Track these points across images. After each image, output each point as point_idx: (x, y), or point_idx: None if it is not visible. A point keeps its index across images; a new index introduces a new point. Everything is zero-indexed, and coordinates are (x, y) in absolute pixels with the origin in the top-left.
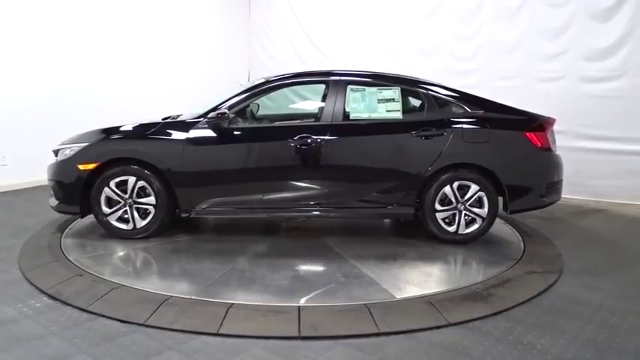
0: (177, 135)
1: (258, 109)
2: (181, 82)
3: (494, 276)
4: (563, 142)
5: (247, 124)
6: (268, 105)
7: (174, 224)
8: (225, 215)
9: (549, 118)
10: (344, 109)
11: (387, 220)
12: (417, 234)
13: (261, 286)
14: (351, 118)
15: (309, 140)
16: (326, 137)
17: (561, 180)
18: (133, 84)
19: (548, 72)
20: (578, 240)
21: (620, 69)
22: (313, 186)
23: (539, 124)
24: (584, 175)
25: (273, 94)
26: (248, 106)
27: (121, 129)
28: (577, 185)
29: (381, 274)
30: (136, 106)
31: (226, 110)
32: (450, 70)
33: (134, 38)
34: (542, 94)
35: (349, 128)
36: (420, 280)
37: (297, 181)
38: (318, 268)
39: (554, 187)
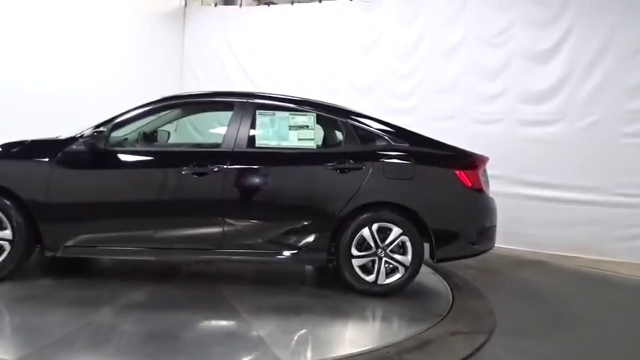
0: (45, 156)
1: (168, 137)
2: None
3: (412, 336)
4: (500, 188)
5: (132, 147)
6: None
7: (42, 265)
8: (101, 256)
9: (481, 156)
10: (249, 134)
11: (307, 267)
12: (333, 284)
13: (117, 346)
14: (256, 145)
15: (205, 169)
16: (225, 166)
17: (495, 226)
18: (55, 111)
19: (486, 114)
20: (514, 295)
21: (559, 113)
22: (210, 224)
23: (470, 161)
24: (522, 224)
25: (198, 122)
26: (155, 132)
27: None
28: (514, 234)
29: (274, 333)
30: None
31: (104, 128)
32: (386, 108)
33: (60, 60)
34: (480, 137)
35: (253, 157)
36: (322, 340)
37: (191, 217)
38: (200, 323)
39: (486, 233)
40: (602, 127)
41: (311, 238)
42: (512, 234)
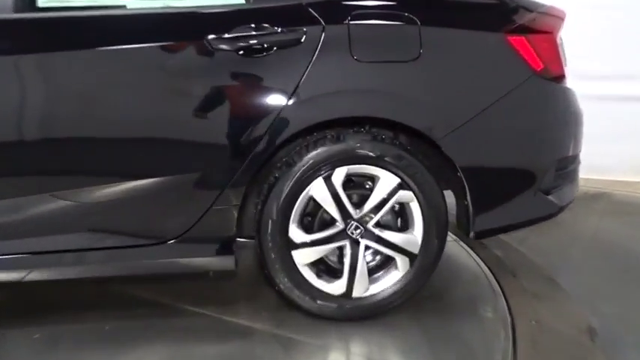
0: None
1: None
2: None
3: None
4: None
5: None
6: None
7: None
8: None
9: (553, 7)
10: None
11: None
12: (262, 299)
13: None
14: (39, 5)
15: None
16: None
17: (579, 154)
18: None
19: None
20: (605, 272)
21: None
22: None
23: (537, 18)
24: None
25: None
26: None
27: None
28: None
29: None
30: None
31: None
32: None
33: None
34: None
35: (34, 30)
36: None
37: None
38: None
39: (569, 168)
40: None
41: (195, 214)
42: None
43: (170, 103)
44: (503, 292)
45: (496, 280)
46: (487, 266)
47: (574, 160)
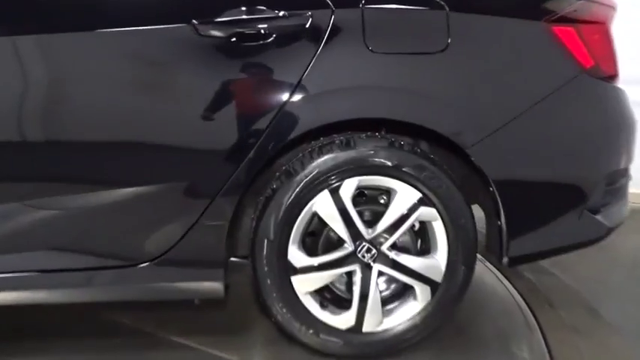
0: None
1: None
2: None
3: None
4: None
5: None
6: None
7: None
8: None
9: None
10: None
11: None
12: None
13: None
14: None
15: None
16: None
17: (629, 167)
18: None
19: None
20: None
21: None
22: None
23: (583, 5)
24: None
25: None
26: None
27: None
28: None
29: None
30: None
31: None
32: None
33: None
34: None
35: None
36: None
37: None
38: None
39: (618, 183)
40: None
41: (178, 230)
42: None
43: (148, 98)
44: (539, 325)
45: (530, 310)
46: (519, 293)
47: (625, 173)
